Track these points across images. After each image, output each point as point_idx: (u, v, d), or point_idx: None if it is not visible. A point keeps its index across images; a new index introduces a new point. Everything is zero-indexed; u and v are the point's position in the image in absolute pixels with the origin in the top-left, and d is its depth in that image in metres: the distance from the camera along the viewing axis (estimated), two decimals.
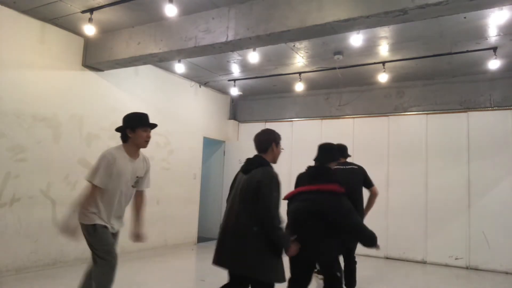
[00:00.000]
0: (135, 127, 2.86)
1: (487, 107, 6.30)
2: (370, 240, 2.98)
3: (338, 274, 3.19)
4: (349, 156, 4.56)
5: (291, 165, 6.89)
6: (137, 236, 3.02)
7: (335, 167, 3.43)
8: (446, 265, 6.23)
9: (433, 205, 6.47)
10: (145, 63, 5.53)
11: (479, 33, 4.84)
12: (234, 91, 7.66)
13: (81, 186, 5.31)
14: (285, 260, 2.69)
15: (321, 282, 4.29)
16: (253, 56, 5.51)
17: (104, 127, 5.71)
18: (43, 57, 4.97)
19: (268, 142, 2.76)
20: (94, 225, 2.78)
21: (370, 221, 6.73)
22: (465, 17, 4.39)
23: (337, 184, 2.97)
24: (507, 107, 6.13)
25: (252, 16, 4.23)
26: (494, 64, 5.48)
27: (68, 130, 5.23)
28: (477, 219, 6.09)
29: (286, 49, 5.64)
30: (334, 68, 6.27)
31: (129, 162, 2.87)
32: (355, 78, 6.87)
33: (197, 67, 6.72)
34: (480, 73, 6.33)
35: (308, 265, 3.09)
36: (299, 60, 6.11)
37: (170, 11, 4.18)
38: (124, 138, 2.91)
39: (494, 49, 5.24)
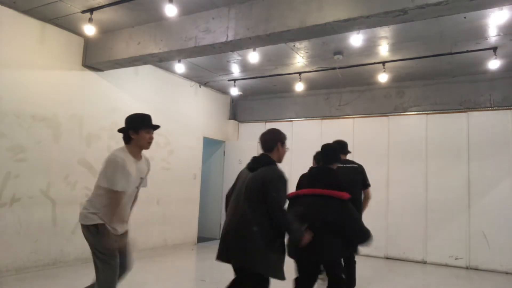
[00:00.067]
0: (138, 129, 2.82)
1: (487, 107, 6.30)
2: (367, 241, 3.08)
3: (342, 275, 3.24)
4: (349, 152, 4.56)
5: (291, 165, 6.87)
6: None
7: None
8: (446, 265, 6.23)
9: (433, 205, 6.47)
10: (145, 63, 5.52)
11: (479, 33, 4.84)
12: (234, 91, 7.66)
13: (81, 186, 5.36)
14: (289, 260, 2.70)
15: (321, 282, 4.32)
16: (253, 56, 5.51)
17: (104, 127, 5.71)
18: (43, 57, 4.97)
19: (274, 142, 2.79)
20: (96, 225, 2.71)
21: (370, 221, 6.76)
22: (465, 17, 4.39)
23: (345, 191, 3.05)
24: (507, 107, 6.13)
25: (252, 16, 4.23)
26: (494, 64, 5.48)
27: (68, 130, 5.23)
28: (477, 219, 6.09)
29: (286, 49, 5.64)
30: (334, 68, 6.27)
31: (134, 164, 2.84)
32: (355, 78, 6.87)
33: (197, 67, 6.72)
34: (480, 73, 6.32)
35: (314, 265, 3.13)
36: (299, 60, 6.11)
37: (170, 11, 4.18)
38: (127, 140, 2.86)
39: (494, 49, 5.24)
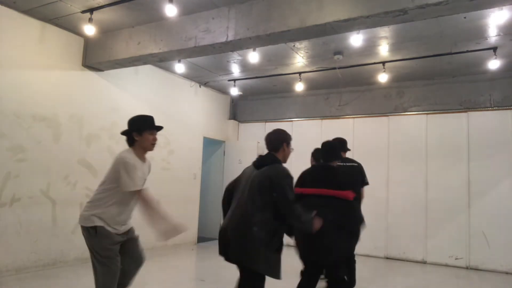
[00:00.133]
0: (142, 130, 2.81)
1: (487, 107, 6.30)
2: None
3: (345, 277, 3.28)
4: (348, 150, 4.58)
5: (291, 165, 6.83)
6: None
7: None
8: (446, 265, 6.23)
9: (433, 205, 6.47)
10: (145, 63, 5.52)
11: (479, 33, 4.83)
12: (234, 91, 7.66)
13: (81, 186, 5.36)
14: (286, 260, 2.71)
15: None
16: (253, 56, 5.51)
17: (104, 127, 5.71)
18: (43, 57, 4.97)
19: (280, 142, 2.83)
20: (95, 227, 2.70)
21: (370, 221, 6.76)
22: (465, 17, 4.39)
23: (348, 189, 3.14)
24: (507, 107, 6.13)
25: (252, 16, 4.23)
26: (494, 64, 5.48)
27: (68, 130, 5.23)
28: (477, 219, 6.09)
29: (286, 49, 5.64)
30: (334, 68, 6.27)
31: (140, 165, 2.84)
32: (355, 78, 6.87)
33: (197, 67, 6.72)
34: (480, 73, 6.32)
35: (316, 266, 3.20)
36: (299, 60, 6.11)
37: (170, 11, 4.18)
38: (131, 142, 2.85)
39: (494, 49, 5.24)
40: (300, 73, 6.68)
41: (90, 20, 4.65)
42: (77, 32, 5.29)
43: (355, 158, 4.72)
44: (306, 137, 7.46)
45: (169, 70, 6.87)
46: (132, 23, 5.05)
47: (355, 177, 4.28)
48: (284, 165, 2.83)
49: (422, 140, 6.70)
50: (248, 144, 8.18)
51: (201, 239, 7.74)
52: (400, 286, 5.12)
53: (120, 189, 2.71)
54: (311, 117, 7.84)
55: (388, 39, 5.15)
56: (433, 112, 6.69)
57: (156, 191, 6.36)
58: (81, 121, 5.40)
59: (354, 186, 3.65)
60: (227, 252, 2.63)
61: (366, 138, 7.14)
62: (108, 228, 2.71)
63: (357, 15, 3.60)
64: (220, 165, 8.35)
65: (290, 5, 3.98)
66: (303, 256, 3.22)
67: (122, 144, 6.24)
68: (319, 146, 3.66)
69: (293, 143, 2.96)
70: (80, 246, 5.28)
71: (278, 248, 2.64)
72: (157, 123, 2.96)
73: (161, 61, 5.37)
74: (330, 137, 4.16)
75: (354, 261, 4.30)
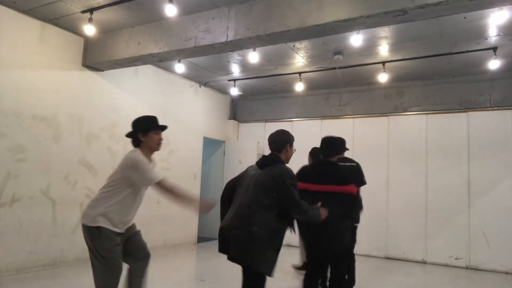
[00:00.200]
0: (147, 131, 2.81)
1: (487, 107, 6.30)
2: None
3: (346, 276, 3.43)
4: (347, 149, 4.59)
5: (291, 165, 6.87)
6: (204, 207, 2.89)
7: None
8: (446, 265, 6.23)
9: (433, 205, 6.47)
10: (145, 63, 5.52)
11: (479, 33, 4.84)
12: (234, 91, 7.66)
13: (81, 186, 5.36)
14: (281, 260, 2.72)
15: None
16: (253, 56, 5.51)
17: (104, 127, 5.71)
18: (43, 57, 4.97)
19: (283, 142, 2.86)
20: (99, 227, 2.64)
21: (370, 221, 6.77)
22: (465, 17, 4.39)
23: (352, 184, 3.27)
24: (507, 107, 6.13)
25: (252, 16, 4.23)
26: (494, 64, 5.48)
27: (68, 130, 5.23)
28: (477, 219, 6.09)
29: (286, 49, 5.64)
30: (334, 68, 6.27)
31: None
32: (355, 78, 6.87)
33: (197, 67, 6.72)
34: (480, 73, 6.33)
35: (324, 257, 3.33)
36: (299, 60, 6.11)
37: (170, 11, 4.18)
38: (136, 143, 2.83)
39: (494, 49, 5.24)
40: (300, 73, 6.68)
41: (90, 20, 4.65)
42: (77, 32, 5.29)
43: (355, 158, 4.73)
44: (306, 137, 7.44)
45: (169, 70, 6.87)
46: (132, 23, 5.05)
47: (353, 176, 4.30)
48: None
49: (422, 140, 6.70)
50: (248, 144, 8.18)
51: (201, 239, 7.74)
52: (400, 286, 5.12)
53: (138, 188, 2.72)
54: (311, 117, 7.84)
55: (388, 39, 5.15)
56: (433, 112, 6.69)
57: (156, 191, 6.39)
58: (81, 121, 5.40)
59: (355, 180, 3.72)
60: (230, 251, 2.63)
61: (366, 138, 7.14)
62: (112, 229, 2.67)
63: (357, 15, 3.60)
64: (220, 165, 8.35)
65: (290, 5, 3.98)
66: (310, 248, 3.36)
67: (122, 144, 6.29)
68: (319, 146, 3.69)
69: (294, 143, 2.98)
70: (80, 246, 5.28)
71: (278, 248, 2.66)
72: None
73: (161, 61, 5.37)
74: None
75: (353, 261, 4.31)
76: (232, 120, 8.64)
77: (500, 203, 5.96)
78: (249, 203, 2.61)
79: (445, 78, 6.63)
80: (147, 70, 6.50)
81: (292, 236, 3.26)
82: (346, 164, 4.34)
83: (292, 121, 8.02)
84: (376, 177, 6.87)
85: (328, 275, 3.57)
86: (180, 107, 7.20)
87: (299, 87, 6.91)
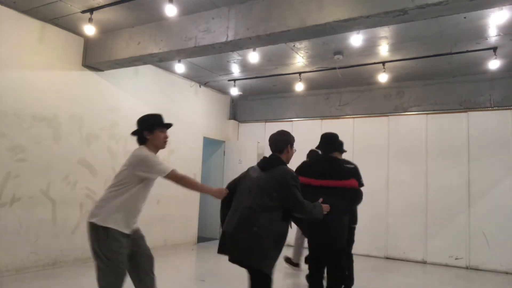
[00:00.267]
0: (153, 129, 2.82)
1: (487, 107, 6.30)
2: None
3: (346, 272, 3.56)
4: (344, 151, 4.60)
5: (291, 165, 6.87)
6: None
7: None
8: (446, 265, 6.23)
9: (433, 205, 6.47)
10: (145, 63, 5.52)
11: (479, 33, 4.83)
12: (234, 91, 7.66)
13: (81, 186, 5.36)
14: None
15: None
16: (253, 56, 5.51)
17: (104, 127, 5.71)
18: (43, 57, 4.97)
19: (284, 143, 2.88)
20: (107, 228, 2.58)
21: (370, 221, 6.77)
22: (465, 17, 4.39)
23: (353, 178, 3.41)
24: (507, 107, 6.13)
25: (252, 16, 4.23)
26: (494, 64, 5.48)
27: (68, 130, 5.23)
28: (477, 219, 6.09)
29: (286, 49, 5.64)
30: (334, 68, 6.27)
31: None
32: (355, 78, 6.87)
33: (197, 67, 6.72)
34: (480, 73, 6.33)
35: (327, 251, 3.41)
36: (299, 60, 6.11)
37: (170, 11, 4.18)
38: (142, 140, 2.83)
39: (494, 49, 5.24)
40: (300, 73, 6.68)
41: (90, 20, 4.65)
42: (77, 32, 5.29)
43: (355, 158, 4.74)
44: (306, 137, 7.45)
45: (169, 70, 6.87)
46: (132, 23, 5.05)
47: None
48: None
49: (422, 140, 6.70)
50: (248, 144, 8.18)
51: (201, 239, 7.74)
52: (400, 286, 5.12)
53: (148, 184, 2.74)
54: (311, 117, 7.84)
55: (388, 39, 5.15)
56: (433, 112, 6.69)
57: (156, 191, 6.38)
58: (81, 121, 5.40)
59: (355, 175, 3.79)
60: (233, 254, 2.64)
61: (366, 138, 7.14)
62: (121, 230, 2.63)
63: (357, 15, 3.60)
64: (220, 165, 8.35)
65: (290, 5, 3.98)
66: (311, 246, 3.46)
67: (122, 144, 6.29)
68: (319, 141, 3.73)
69: (294, 144, 2.99)
70: (80, 246, 5.28)
71: (282, 247, 2.70)
72: None
73: (161, 61, 5.37)
74: None
75: (352, 261, 4.32)
76: (232, 120, 8.64)
77: (500, 203, 5.96)
78: (254, 206, 2.61)
79: (445, 78, 6.63)
80: (147, 70, 6.50)
81: (291, 236, 3.28)
82: (344, 165, 4.35)
83: (292, 121, 8.02)
84: (376, 177, 6.87)
85: (325, 275, 3.59)
86: (180, 107, 7.20)
87: (299, 87, 6.91)
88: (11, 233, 4.55)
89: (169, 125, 2.93)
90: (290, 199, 2.63)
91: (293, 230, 3.27)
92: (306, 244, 5.37)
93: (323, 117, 7.69)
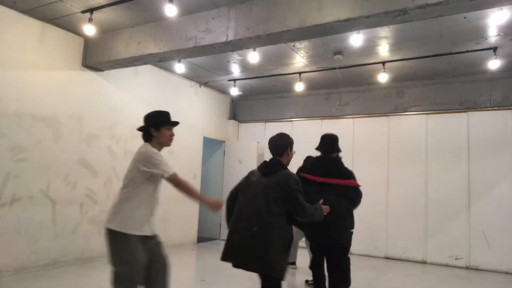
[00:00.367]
0: (160, 126, 2.80)
1: (487, 107, 6.30)
2: None
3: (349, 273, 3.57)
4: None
5: (291, 165, 6.86)
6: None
7: None
8: (446, 265, 6.23)
9: (433, 205, 6.47)
10: (145, 63, 5.52)
11: (479, 33, 4.83)
12: (234, 91, 7.66)
13: (81, 186, 5.36)
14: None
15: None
16: (253, 56, 5.51)
17: (104, 127, 5.71)
18: (43, 57, 4.97)
19: (284, 146, 2.89)
20: (126, 234, 2.53)
21: (370, 221, 6.77)
22: (465, 17, 4.39)
23: (353, 179, 3.50)
24: (507, 107, 6.13)
25: (252, 16, 4.23)
26: (494, 64, 5.48)
27: (68, 130, 5.23)
28: (477, 219, 6.09)
29: (286, 49, 5.64)
30: (334, 68, 6.27)
31: None
32: (355, 78, 6.87)
33: (197, 67, 6.72)
34: (480, 73, 6.32)
35: (331, 250, 3.47)
36: (299, 60, 6.11)
37: (170, 11, 4.18)
38: (148, 137, 2.80)
39: (494, 49, 5.24)
40: (300, 73, 6.68)
41: (90, 20, 4.65)
42: (77, 32, 5.29)
43: (355, 158, 4.74)
44: (306, 137, 7.45)
45: (169, 70, 6.87)
46: (132, 23, 5.05)
47: None
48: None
49: (422, 140, 6.70)
50: (248, 144, 8.18)
51: (201, 239, 7.73)
52: (400, 286, 5.12)
53: (155, 181, 2.69)
54: (311, 117, 7.84)
55: (388, 39, 5.15)
56: (433, 112, 6.69)
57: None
58: (81, 121, 5.40)
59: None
60: (243, 260, 2.66)
61: (366, 138, 7.14)
62: (140, 233, 2.60)
63: (357, 15, 3.60)
64: (220, 165, 8.35)
65: (290, 5, 3.98)
66: (318, 242, 3.53)
67: (122, 144, 6.29)
68: (319, 142, 3.76)
69: (294, 145, 3.01)
70: (80, 246, 5.29)
71: (288, 249, 2.74)
72: None
73: (161, 61, 5.37)
74: None
75: (349, 263, 4.33)
76: (232, 120, 8.64)
77: (500, 203, 5.96)
78: (261, 212, 2.63)
79: (445, 78, 6.63)
80: (147, 70, 6.49)
81: None
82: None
83: (292, 121, 8.02)
84: (376, 177, 6.87)
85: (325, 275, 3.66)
86: (180, 107, 7.19)
87: (299, 87, 6.91)
88: (11, 233, 4.55)
89: (175, 123, 2.90)
90: (293, 203, 2.66)
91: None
92: (302, 243, 5.39)
93: (323, 117, 7.69)
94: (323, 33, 4.07)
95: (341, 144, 3.85)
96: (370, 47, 5.40)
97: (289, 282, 4.93)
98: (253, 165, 7.57)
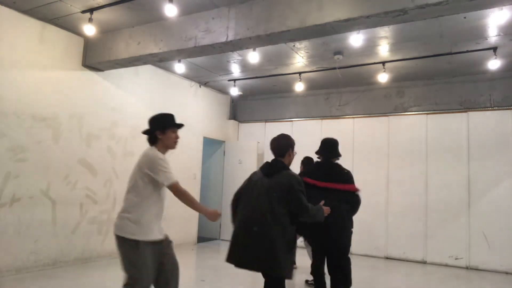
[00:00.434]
0: (165, 128, 2.80)
1: (487, 107, 6.30)
2: None
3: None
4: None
5: (291, 165, 6.86)
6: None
7: None
8: (446, 265, 6.23)
9: (433, 205, 6.47)
10: (145, 63, 5.52)
11: (479, 33, 4.83)
12: (234, 91, 7.66)
13: (81, 186, 5.36)
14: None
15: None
16: (253, 56, 5.51)
17: (104, 127, 5.71)
18: (43, 57, 4.97)
19: (286, 147, 2.91)
20: (137, 241, 2.52)
21: (370, 221, 6.77)
22: (465, 17, 4.39)
23: (353, 184, 3.56)
24: (507, 107, 6.13)
25: (252, 16, 4.23)
26: (494, 64, 5.48)
27: (68, 130, 5.23)
28: (477, 219, 6.09)
29: (286, 49, 5.63)
30: (334, 68, 6.27)
31: None
32: (355, 78, 6.87)
33: (197, 67, 6.72)
34: (480, 73, 6.32)
35: (332, 251, 3.52)
36: (299, 60, 6.11)
37: (170, 11, 4.18)
38: (153, 140, 2.80)
39: (494, 49, 5.24)
40: (300, 73, 6.68)
41: (90, 20, 4.65)
42: (77, 32, 5.29)
43: (355, 158, 4.74)
44: (306, 137, 7.46)
45: (169, 70, 6.87)
46: (132, 23, 5.05)
47: None
48: None
49: (422, 140, 6.70)
50: (248, 144, 8.18)
51: (201, 239, 7.74)
52: (400, 286, 5.12)
53: (159, 184, 2.68)
54: (311, 117, 7.84)
55: (388, 39, 5.15)
56: (433, 112, 6.69)
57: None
58: (81, 121, 5.40)
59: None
60: (248, 261, 2.68)
61: (366, 138, 7.14)
62: (150, 239, 2.58)
63: (357, 15, 3.60)
64: (220, 165, 8.35)
65: (290, 5, 3.98)
66: (319, 243, 3.58)
67: (122, 144, 6.29)
68: (319, 146, 3.75)
69: (294, 146, 3.02)
70: (80, 246, 5.29)
71: (293, 249, 2.78)
72: None
73: (161, 61, 5.37)
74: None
75: (349, 263, 4.34)
76: (232, 120, 8.64)
77: (500, 203, 5.96)
78: (265, 212, 2.65)
79: (445, 78, 6.63)
80: (147, 70, 6.49)
81: None
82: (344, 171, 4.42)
83: (292, 121, 8.02)
84: (376, 177, 6.88)
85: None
86: (180, 107, 7.19)
87: (299, 87, 6.91)
88: (11, 233, 4.55)
89: (180, 125, 2.91)
90: (296, 204, 2.68)
91: None
92: (301, 243, 5.39)
93: (323, 117, 7.69)
94: (323, 33, 4.07)
95: (341, 144, 3.86)
96: (370, 47, 5.40)
97: (289, 282, 4.93)
98: (253, 165, 7.58)
